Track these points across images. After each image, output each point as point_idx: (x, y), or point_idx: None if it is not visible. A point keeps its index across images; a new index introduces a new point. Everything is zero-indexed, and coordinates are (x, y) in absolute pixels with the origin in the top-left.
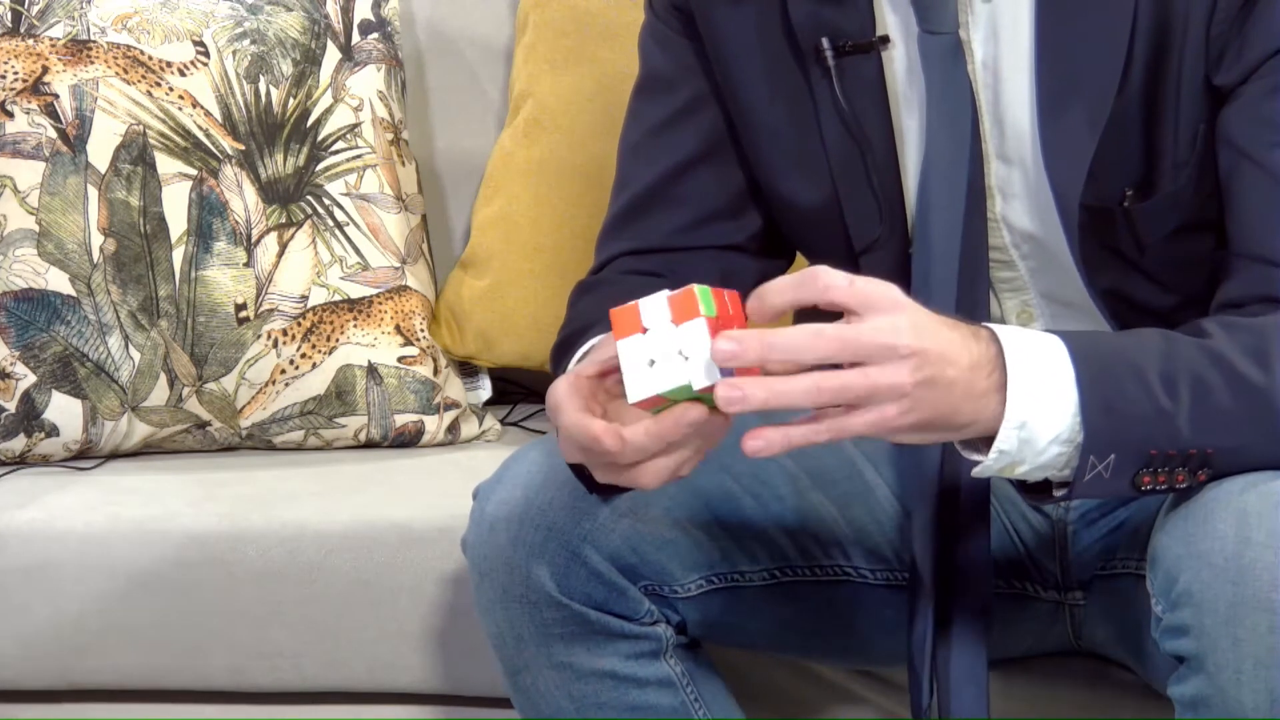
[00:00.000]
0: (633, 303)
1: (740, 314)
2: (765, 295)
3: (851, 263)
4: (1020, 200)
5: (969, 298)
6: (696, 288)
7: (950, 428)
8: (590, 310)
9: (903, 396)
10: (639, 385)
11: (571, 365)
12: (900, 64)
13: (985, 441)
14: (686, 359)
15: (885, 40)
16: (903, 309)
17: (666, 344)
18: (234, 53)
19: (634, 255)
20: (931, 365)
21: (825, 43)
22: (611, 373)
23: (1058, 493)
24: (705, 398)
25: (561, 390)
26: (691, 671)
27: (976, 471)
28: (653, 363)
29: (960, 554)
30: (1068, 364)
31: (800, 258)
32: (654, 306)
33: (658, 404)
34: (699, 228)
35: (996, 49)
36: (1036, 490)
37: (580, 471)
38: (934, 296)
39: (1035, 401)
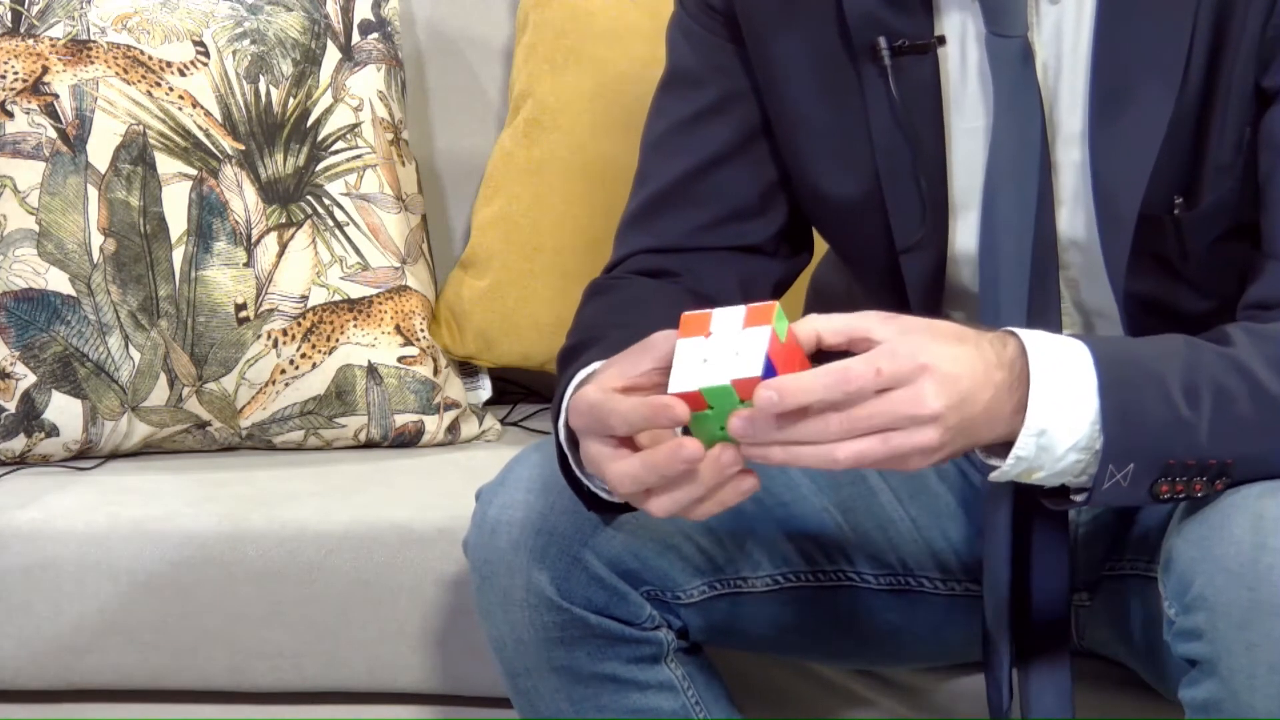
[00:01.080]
0: (707, 311)
1: (801, 354)
2: (786, 393)
3: (890, 262)
4: (1066, 206)
5: (1040, 301)
6: (778, 305)
7: (970, 444)
8: (599, 317)
9: (927, 451)
10: (683, 379)
11: (576, 380)
12: (955, 64)
13: (1004, 446)
14: (737, 355)
15: (941, 41)
16: (926, 373)
17: (725, 345)
18: (234, 53)
19: (651, 253)
20: (955, 415)
21: (882, 42)
22: (635, 390)
23: (1076, 498)
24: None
25: (592, 391)
26: (692, 675)
27: (993, 477)
28: (705, 361)
29: (1036, 555)
30: (1091, 370)
31: (813, 261)
32: (727, 314)
33: (698, 406)
34: (718, 227)
35: (1059, 51)
36: (1054, 495)
37: (580, 491)
38: (1004, 301)
39: (1056, 409)
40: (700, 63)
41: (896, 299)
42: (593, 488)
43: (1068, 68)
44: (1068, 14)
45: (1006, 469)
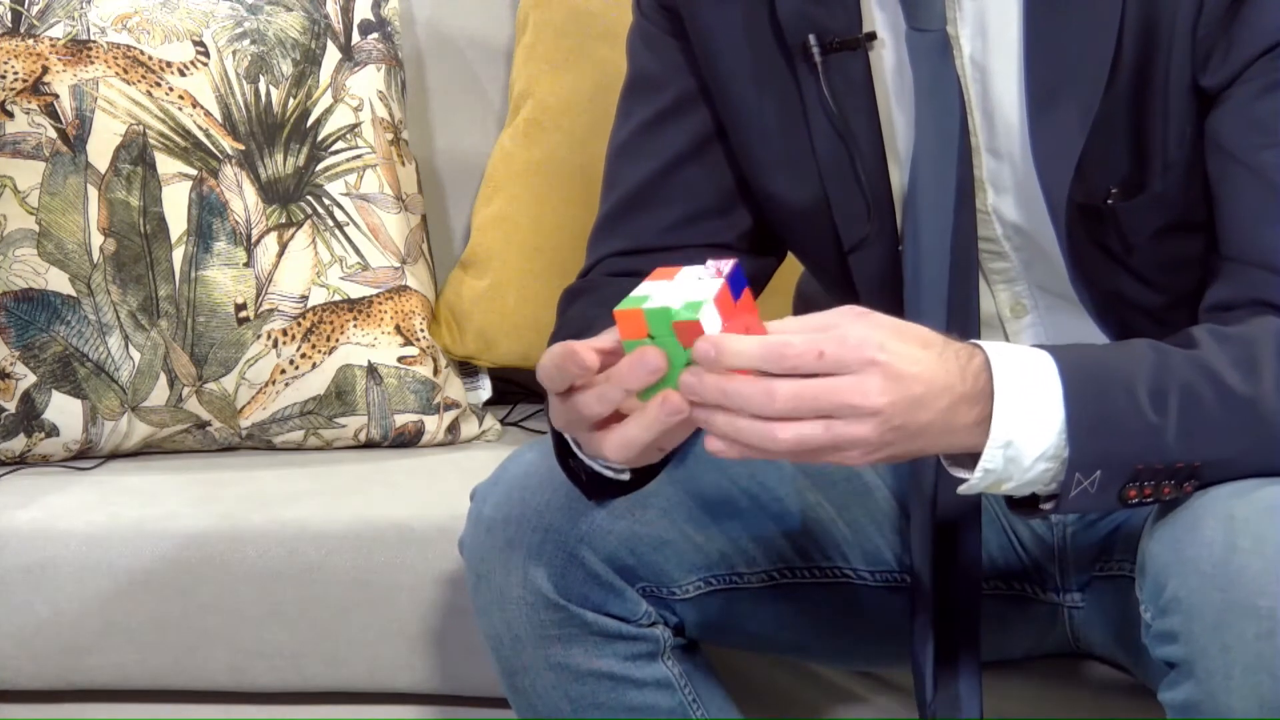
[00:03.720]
0: (678, 266)
1: (754, 314)
2: (722, 351)
3: (840, 260)
4: (1010, 194)
5: (961, 292)
6: (735, 262)
7: (927, 453)
8: (585, 312)
9: (866, 447)
10: (632, 302)
11: None
12: (889, 61)
13: (973, 457)
14: (686, 297)
15: (872, 37)
16: (875, 366)
17: (680, 290)
18: (234, 53)
19: (623, 255)
20: (900, 416)
21: (812, 40)
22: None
23: (1045, 506)
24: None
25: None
26: (689, 672)
27: (963, 489)
28: (654, 295)
29: (957, 553)
30: (1055, 379)
31: (791, 256)
32: (694, 270)
33: (639, 332)
34: (688, 226)
35: (985, 44)
36: (1023, 504)
37: (576, 478)
38: (924, 292)
39: (1022, 420)
40: (659, 65)
41: (853, 299)
42: (591, 464)
43: (997, 60)
44: (991, 7)
45: (975, 482)
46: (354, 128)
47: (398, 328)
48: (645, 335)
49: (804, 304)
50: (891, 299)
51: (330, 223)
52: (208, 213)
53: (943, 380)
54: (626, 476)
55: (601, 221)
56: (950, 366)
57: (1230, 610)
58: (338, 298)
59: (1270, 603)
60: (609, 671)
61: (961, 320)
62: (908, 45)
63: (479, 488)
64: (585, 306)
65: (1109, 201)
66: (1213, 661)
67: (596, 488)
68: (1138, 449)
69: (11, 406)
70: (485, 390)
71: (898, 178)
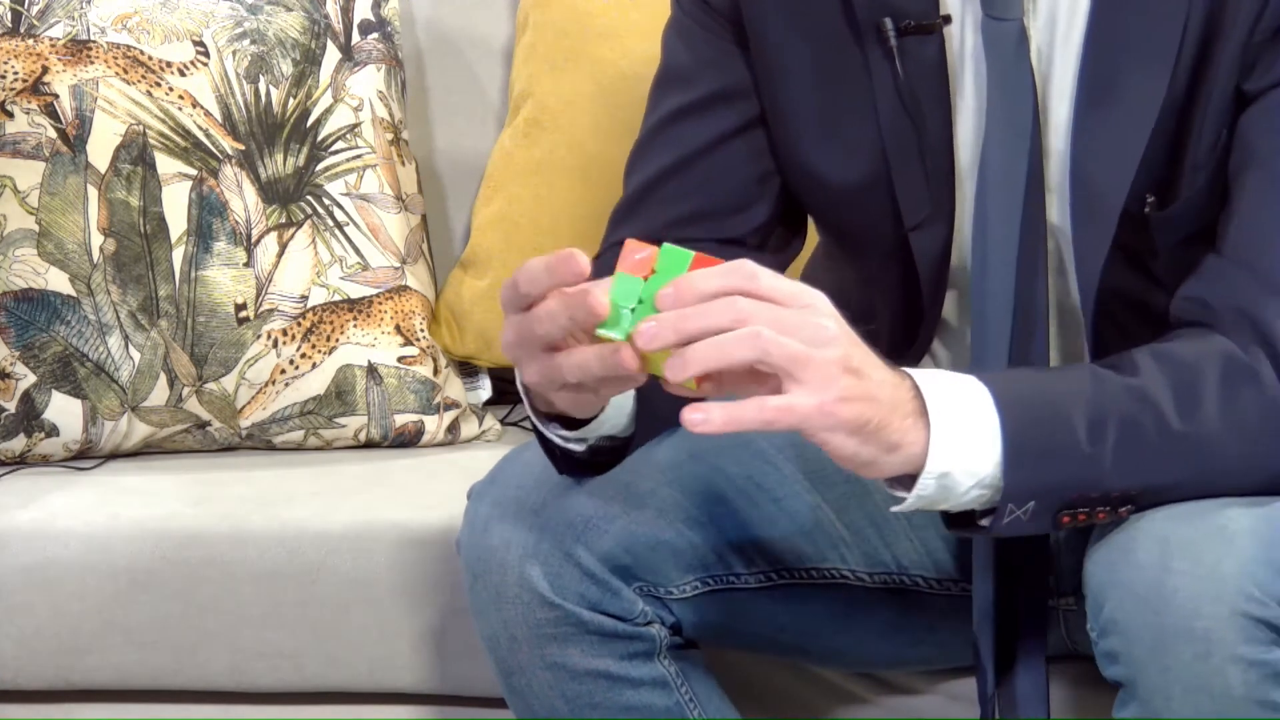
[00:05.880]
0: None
1: None
2: (688, 285)
3: (898, 239)
4: (1055, 194)
5: (1027, 289)
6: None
7: (881, 443)
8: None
9: (835, 373)
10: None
11: None
12: (958, 44)
13: (910, 477)
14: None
15: (947, 20)
16: (834, 313)
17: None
18: (234, 53)
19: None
20: (858, 361)
21: (888, 23)
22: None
23: (982, 523)
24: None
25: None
26: (686, 672)
27: (895, 509)
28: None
29: (1019, 556)
30: (992, 412)
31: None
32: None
33: (645, 269)
34: (700, 221)
35: (1052, 38)
36: (959, 518)
37: (553, 456)
38: (990, 279)
39: (958, 451)
40: (693, 60)
41: (901, 280)
42: (550, 436)
43: (1060, 55)
44: (1063, 1)
45: (908, 505)
46: (354, 128)
47: (398, 328)
48: (648, 275)
49: None
50: (940, 281)
51: (330, 223)
52: (208, 213)
53: (880, 362)
54: (581, 449)
55: (618, 206)
56: (886, 378)
57: (1166, 633)
58: (338, 298)
59: (1206, 624)
60: (605, 671)
61: (1027, 308)
62: (983, 33)
63: (475, 487)
64: (596, 270)
65: (1145, 210)
66: (1153, 683)
67: (564, 463)
68: (1073, 479)
69: (11, 406)
70: (485, 390)
71: (962, 159)
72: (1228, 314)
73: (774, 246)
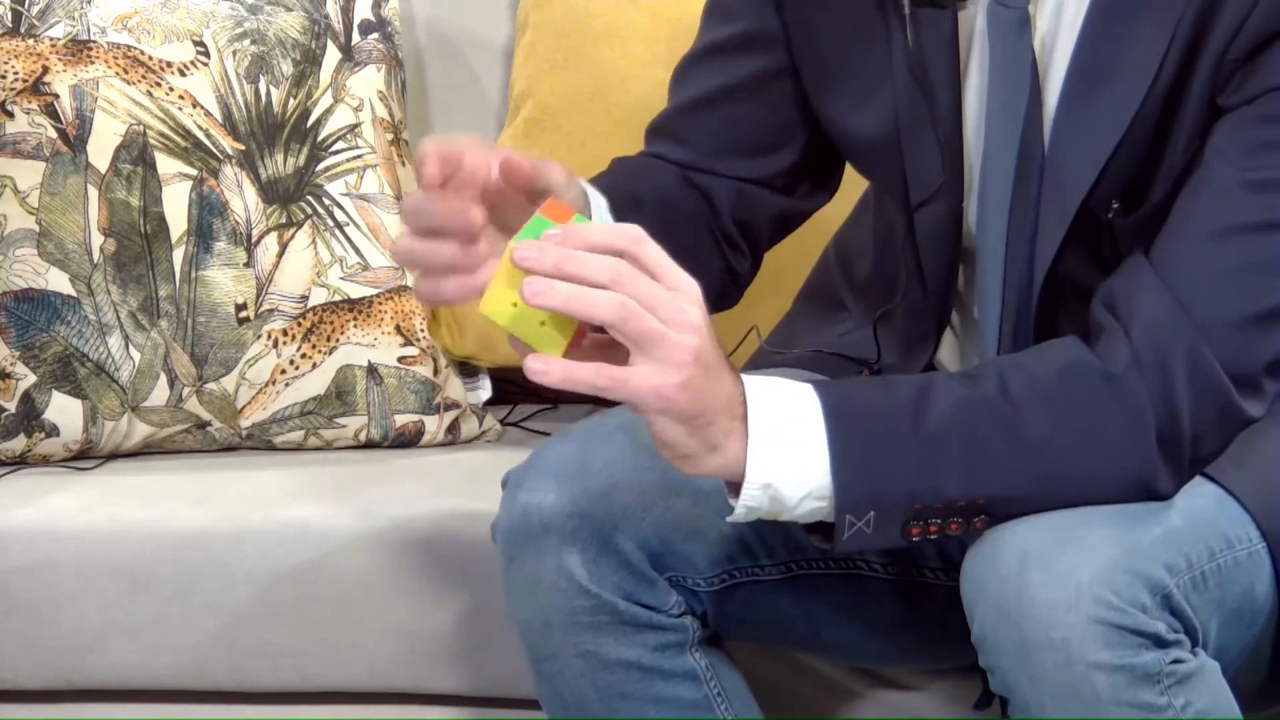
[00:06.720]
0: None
1: None
2: (570, 230)
3: (905, 213)
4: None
5: (1013, 264)
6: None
7: (705, 440)
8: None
9: (684, 360)
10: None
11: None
12: (971, 24)
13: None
14: None
15: (963, 2)
16: (700, 301)
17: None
18: (234, 53)
19: (664, 161)
20: (707, 355)
21: None
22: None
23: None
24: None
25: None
26: (715, 665)
27: (729, 518)
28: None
29: None
30: (819, 421)
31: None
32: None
33: (565, 215)
34: (723, 157)
35: (1056, 28)
36: (819, 530)
37: None
38: (986, 266)
39: (781, 462)
40: None
41: (915, 254)
42: None
43: (1061, 45)
44: None
45: (738, 515)
46: (354, 128)
47: (398, 328)
48: (568, 220)
49: (839, 259)
50: (949, 256)
51: (330, 223)
52: (208, 213)
53: (725, 363)
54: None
55: (654, 123)
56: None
57: (1028, 644)
58: (338, 298)
59: (1064, 634)
60: (637, 661)
61: (1017, 287)
62: (987, 17)
63: (512, 473)
64: (628, 166)
65: (1109, 215)
66: (1026, 694)
67: None
68: (912, 489)
69: (11, 406)
70: (485, 390)
71: (969, 137)
72: (1134, 326)
73: (801, 194)
